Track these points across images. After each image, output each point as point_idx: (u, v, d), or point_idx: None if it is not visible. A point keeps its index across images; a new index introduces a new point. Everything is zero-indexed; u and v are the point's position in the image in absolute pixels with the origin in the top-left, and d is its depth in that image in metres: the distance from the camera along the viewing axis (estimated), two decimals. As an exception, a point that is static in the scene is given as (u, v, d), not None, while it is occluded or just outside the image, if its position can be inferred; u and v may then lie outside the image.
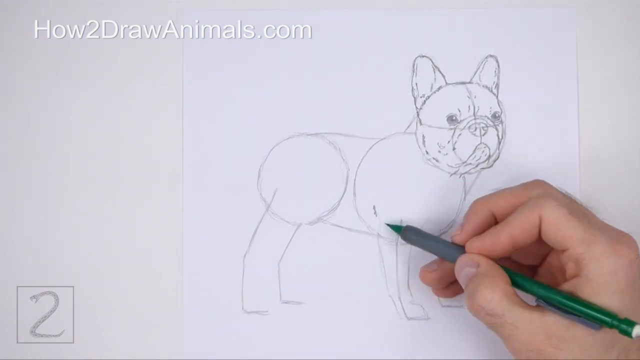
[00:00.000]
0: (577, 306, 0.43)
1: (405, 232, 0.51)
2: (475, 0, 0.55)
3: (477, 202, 0.49)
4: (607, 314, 0.42)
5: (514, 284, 0.45)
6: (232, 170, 0.54)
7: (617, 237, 0.44)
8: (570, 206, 0.45)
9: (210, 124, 0.54)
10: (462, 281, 0.47)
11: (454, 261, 0.47)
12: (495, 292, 0.44)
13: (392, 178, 0.54)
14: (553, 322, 0.43)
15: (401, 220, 0.54)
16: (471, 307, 0.45)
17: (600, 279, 0.43)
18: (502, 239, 0.46)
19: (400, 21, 0.55)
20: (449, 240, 0.49)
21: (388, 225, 0.53)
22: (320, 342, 0.53)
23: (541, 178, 0.53)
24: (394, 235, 0.54)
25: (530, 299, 0.45)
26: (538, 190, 0.47)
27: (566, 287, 0.44)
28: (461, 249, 0.47)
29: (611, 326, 0.42)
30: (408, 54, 0.55)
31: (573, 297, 0.43)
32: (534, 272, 0.50)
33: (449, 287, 0.51)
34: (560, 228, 0.44)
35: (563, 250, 0.44)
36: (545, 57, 0.55)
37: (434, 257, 0.54)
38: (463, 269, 0.46)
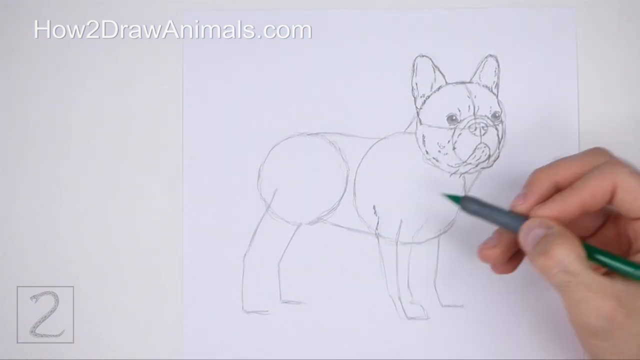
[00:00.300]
0: None
1: (464, 202, 0.48)
2: (475, 0, 0.55)
3: (539, 171, 0.47)
4: None
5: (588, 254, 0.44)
6: (232, 170, 0.54)
7: None
8: None
9: (210, 124, 0.54)
10: (529, 242, 0.45)
11: (516, 230, 0.46)
12: (573, 250, 0.43)
13: (392, 178, 0.54)
14: (623, 290, 0.42)
15: (400, 221, 0.54)
16: (544, 262, 0.43)
17: None
18: (572, 205, 0.44)
19: (400, 21, 0.55)
20: (511, 209, 0.47)
21: (446, 195, 0.49)
22: (320, 342, 0.53)
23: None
24: (394, 235, 0.54)
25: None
26: (604, 158, 0.46)
27: (639, 257, 0.44)
28: (524, 218, 0.46)
29: None
30: (408, 54, 0.55)
31: None
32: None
33: (510, 261, 0.49)
34: (637, 195, 0.43)
35: (636, 219, 0.44)
36: (545, 57, 0.55)
37: (433, 257, 0.54)
38: (532, 230, 0.45)
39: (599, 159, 0.46)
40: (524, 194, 0.47)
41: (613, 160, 0.45)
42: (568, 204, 0.44)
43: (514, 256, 0.48)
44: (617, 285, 0.42)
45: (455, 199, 0.49)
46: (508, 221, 0.47)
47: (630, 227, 0.45)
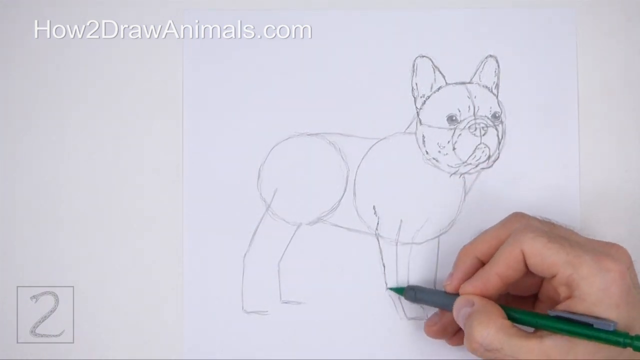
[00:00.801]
0: (590, 332, 0.42)
1: (407, 292, 0.52)
2: (475, 0, 0.55)
3: (463, 249, 0.50)
4: (620, 334, 0.42)
5: (511, 318, 0.45)
6: (232, 170, 0.54)
7: (603, 251, 0.45)
8: (549, 233, 0.45)
9: (210, 124, 0.54)
10: (461, 323, 0.47)
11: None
12: (490, 327, 0.44)
13: (392, 178, 0.54)
14: (553, 347, 0.43)
15: (400, 221, 0.54)
16: (470, 346, 0.45)
17: (593, 297, 0.43)
18: (492, 279, 0.46)
19: (400, 21, 0.55)
20: (443, 289, 0.50)
21: (391, 289, 0.53)
22: (320, 342, 0.54)
23: (541, 178, 0.53)
24: (394, 235, 0.54)
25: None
26: (516, 225, 0.48)
27: (561, 308, 0.44)
28: (457, 296, 0.48)
29: (624, 345, 0.42)
30: (408, 54, 0.55)
31: (571, 321, 0.43)
32: (536, 299, 0.50)
33: (458, 335, 0.51)
34: (543, 257, 0.44)
35: (552, 277, 0.45)
36: (545, 57, 0.55)
37: (433, 257, 0.54)
38: (460, 310, 0.47)
39: (512, 227, 0.48)
40: (451, 273, 0.49)
41: (522, 226, 0.47)
42: (488, 279, 0.47)
43: (462, 330, 0.49)
44: (545, 344, 0.43)
45: (398, 290, 0.53)
46: (445, 302, 0.49)
47: (552, 284, 0.45)
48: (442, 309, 0.50)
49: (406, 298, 0.52)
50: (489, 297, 0.47)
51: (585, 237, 0.48)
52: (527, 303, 0.50)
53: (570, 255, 0.44)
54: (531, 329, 0.45)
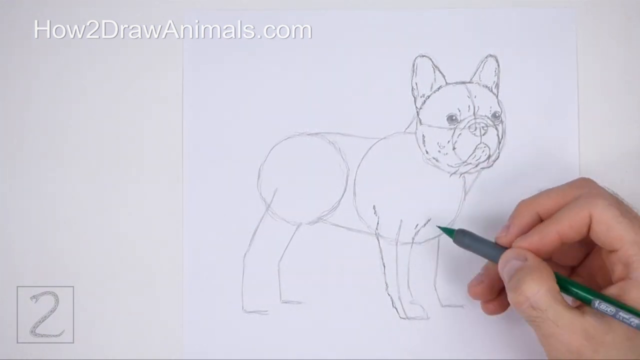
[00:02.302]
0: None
1: (457, 235, 0.50)
2: (475, 0, 0.55)
3: (523, 203, 0.48)
4: None
5: (560, 286, 0.44)
6: (232, 170, 0.54)
7: None
8: (620, 207, 0.45)
9: (210, 123, 0.54)
10: (506, 273, 0.45)
11: None
12: (542, 285, 0.43)
13: (392, 178, 0.54)
14: (593, 325, 0.43)
15: (400, 221, 0.54)
16: (515, 298, 0.44)
17: None
18: (550, 236, 0.45)
19: (400, 21, 0.55)
20: (495, 241, 0.48)
21: (440, 227, 0.52)
22: (320, 342, 0.53)
23: (541, 178, 0.53)
24: (394, 235, 0.54)
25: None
26: (586, 189, 0.46)
27: (613, 290, 0.44)
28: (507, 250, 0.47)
29: None
30: (408, 53, 0.55)
31: (621, 303, 0.43)
32: (572, 272, 0.49)
33: (498, 300, 0.50)
34: (611, 228, 0.44)
35: (611, 251, 0.44)
36: (545, 57, 0.55)
37: (433, 257, 0.54)
38: (509, 261, 0.46)
39: (580, 190, 0.46)
40: (507, 226, 0.48)
41: (592, 192, 0.46)
42: (546, 236, 0.45)
43: (504, 295, 0.48)
44: (587, 320, 0.43)
45: (448, 231, 0.50)
46: (493, 253, 0.48)
47: (607, 258, 0.45)
48: (490, 263, 0.49)
49: (455, 241, 0.50)
50: (543, 253, 0.45)
51: None
52: (561, 272, 0.48)
53: (638, 236, 0.43)
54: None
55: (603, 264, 0.45)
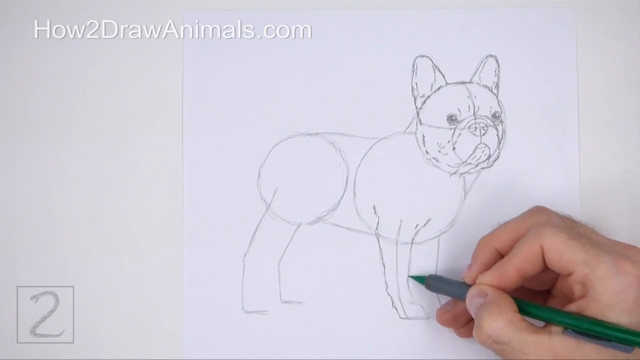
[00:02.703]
0: (607, 331, 0.42)
1: (427, 281, 0.52)
2: (475, 0, 0.55)
3: (481, 240, 0.49)
4: (637, 333, 0.42)
5: (523, 311, 0.45)
6: (232, 170, 0.54)
7: (622, 253, 0.44)
8: (569, 230, 0.45)
9: (210, 123, 0.54)
10: (472, 313, 0.47)
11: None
12: (499, 319, 0.44)
13: (392, 178, 0.54)
14: (560, 344, 0.43)
15: (400, 221, 0.54)
16: (478, 337, 0.45)
17: (606, 299, 0.43)
18: (509, 272, 0.46)
19: (400, 21, 0.55)
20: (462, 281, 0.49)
21: (411, 277, 0.53)
22: (320, 342, 0.53)
23: (541, 178, 0.53)
24: (394, 235, 0.54)
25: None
26: (537, 219, 0.47)
27: (573, 307, 0.44)
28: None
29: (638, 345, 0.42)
30: (408, 53, 0.55)
31: (584, 317, 0.43)
32: (548, 295, 0.50)
33: (467, 327, 0.51)
34: (561, 253, 0.44)
35: (569, 275, 0.44)
36: (545, 57, 0.55)
37: (433, 257, 0.54)
38: (472, 299, 0.47)
39: (532, 220, 0.47)
40: (469, 265, 0.49)
41: (541, 222, 0.46)
42: (506, 272, 0.46)
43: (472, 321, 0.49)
44: (554, 340, 0.43)
45: (419, 279, 0.52)
46: (461, 292, 0.49)
47: (568, 281, 0.45)
48: (456, 299, 0.50)
49: (426, 287, 0.52)
50: (505, 289, 0.47)
51: (605, 237, 0.47)
52: (540, 298, 0.50)
53: (589, 255, 0.43)
54: (542, 324, 0.45)
55: (570, 286, 0.46)
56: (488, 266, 0.48)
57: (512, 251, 0.47)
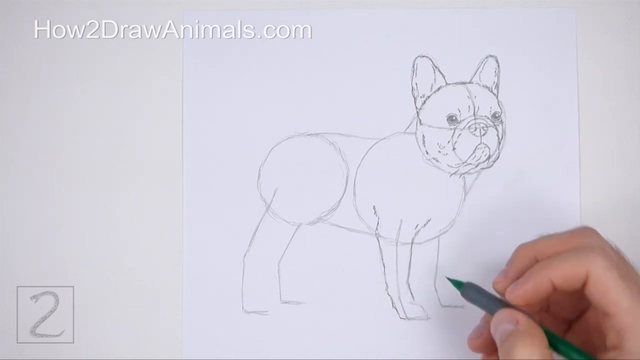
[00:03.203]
0: None
1: (464, 289, 0.48)
2: (475, 0, 0.55)
3: (522, 247, 0.46)
4: None
5: (551, 345, 0.43)
6: (232, 170, 0.54)
7: None
8: (620, 267, 0.42)
9: (210, 124, 0.54)
10: (497, 337, 0.43)
11: None
12: (533, 352, 0.41)
13: (392, 178, 0.54)
14: None
15: (400, 221, 0.54)
16: None
17: None
18: (544, 284, 0.43)
19: (400, 21, 0.55)
20: (492, 286, 0.47)
21: (449, 279, 0.49)
22: (320, 342, 0.53)
23: (540, 179, 0.53)
24: (394, 235, 0.54)
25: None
26: (588, 241, 0.44)
27: (606, 357, 0.41)
28: (507, 306, 0.45)
29: None
30: (408, 54, 0.55)
31: None
32: (569, 327, 0.47)
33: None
34: (608, 291, 0.41)
35: (605, 314, 0.42)
36: (545, 57, 0.55)
37: (433, 257, 0.54)
38: (500, 324, 0.44)
39: (582, 240, 0.44)
40: (504, 270, 0.46)
41: (596, 246, 0.43)
42: (541, 284, 0.43)
43: None
44: None
45: (457, 284, 0.48)
46: (493, 309, 0.45)
47: (602, 321, 0.42)
48: (485, 323, 0.47)
49: (462, 294, 0.48)
50: (535, 303, 0.44)
51: None
52: (558, 325, 0.47)
53: (635, 302, 0.40)
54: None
55: (599, 324, 0.43)
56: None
57: (552, 262, 0.43)
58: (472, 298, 0.47)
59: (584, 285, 0.42)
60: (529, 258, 0.45)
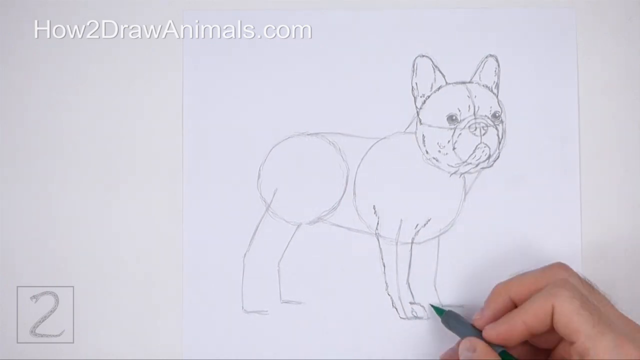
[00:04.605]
0: None
1: (444, 317, 0.51)
2: (475, 0, 0.55)
3: (497, 287, 0.49)
4: None
5: None
6: (232, 170, 0.54)
7: (629, 334, 0.44)
8: (583, 298, 0.45)
9: (210, 123, 0.54)
10: None
11: None
12: None
13: (392, 178, 0.54)
14: None
15: (400, 221, 0.54)
16: None
17: None
18: (517, 326, 0.46)
19: (400, 21, 0.55)
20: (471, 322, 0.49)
21: (432, 306, 0.53)
22: (320, 342, 0.53)
23: (540, 178, 0.53)
24: (394, 235, 0.54)
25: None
26: (556, 276, 0.47)
27: None
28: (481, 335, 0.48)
29: None
30: (408, 53, 0.55)
31: None
32: (548, 355, 0.49)
33: None
34: (570, 320, 0.44)
35: (571, 343, 0.44)
36: (545, 57, 0.55)
37: (433, 257, 0.54)
38: (462, 351, 0.48)
39: (552, 277, 0.47)
40: (482, 309, 0.49)
41: (559, 282, 0.46)
42: (514, 326, 0.46)
43: None
44: None
45: (438, 311, 0.52)
46: (467, 335, 0.49)
47: (569, 348, 0.45)
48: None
49: (442, 321, 0.51)
50: (512, 342, 0.47)
51: (618, 312, 0.46)
52: (538, 354, 0.49)
53: (595, 329, 0.43)
54: None
55: (570, 352, 0.45)
56: (500, 313, 0.48)
57: (524, 305, 0.46)
58: (451, 326, 0.51)
59: (552, 320, 0.45)
60: (504, 298, 0.48)
